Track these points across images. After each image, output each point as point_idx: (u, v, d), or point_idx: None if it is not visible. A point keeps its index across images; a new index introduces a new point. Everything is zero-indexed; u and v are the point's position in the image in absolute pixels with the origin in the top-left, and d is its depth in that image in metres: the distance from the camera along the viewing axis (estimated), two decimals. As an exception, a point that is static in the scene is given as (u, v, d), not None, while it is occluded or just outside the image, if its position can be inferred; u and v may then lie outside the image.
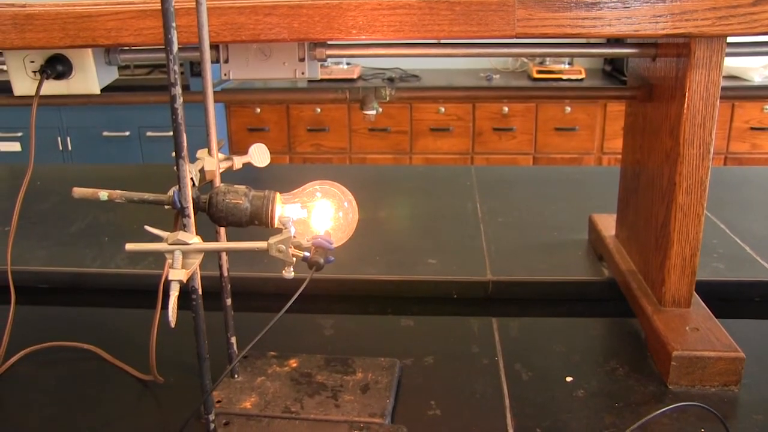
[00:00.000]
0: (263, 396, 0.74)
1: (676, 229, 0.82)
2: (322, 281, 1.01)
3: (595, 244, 1.13)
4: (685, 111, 0.78)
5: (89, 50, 0.85)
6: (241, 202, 0.62)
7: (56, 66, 0.85)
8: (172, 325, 0.56)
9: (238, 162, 0.69)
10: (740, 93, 1.19)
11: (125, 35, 0.75)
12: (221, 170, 0.67)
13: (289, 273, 0.59)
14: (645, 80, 0.91)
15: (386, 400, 0.73)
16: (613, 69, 3.19)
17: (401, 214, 1.31)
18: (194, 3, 0.62)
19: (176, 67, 0.55)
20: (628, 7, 0.70)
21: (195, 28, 0.63)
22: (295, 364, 0.80)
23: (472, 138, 3.10)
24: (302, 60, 0.84)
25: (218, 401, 0.73)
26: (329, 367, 0.79)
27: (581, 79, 3.08)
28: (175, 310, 0.56)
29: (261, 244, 0.59)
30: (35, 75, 0.85)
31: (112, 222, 1.26)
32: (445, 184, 1.49)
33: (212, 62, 0.80)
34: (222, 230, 0.70)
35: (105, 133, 3.10)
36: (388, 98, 0.94)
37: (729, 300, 1.01)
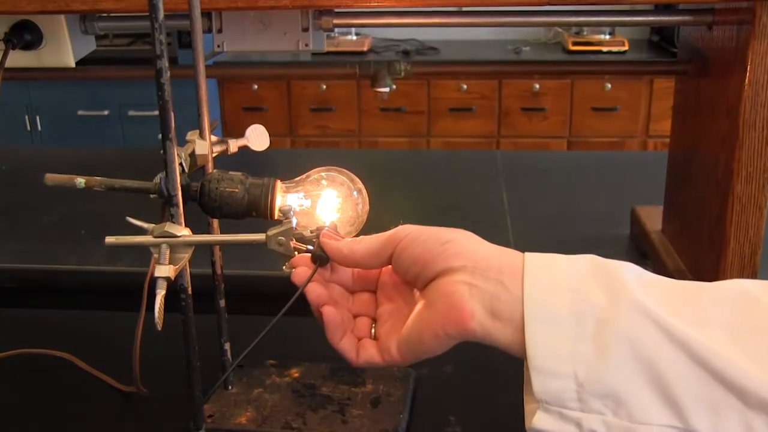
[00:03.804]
0: (260, 410, 0.75)
1: (734, 224, 0.81)
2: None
3: (638, 239, 1.13)
4: (746, 87, 0.77)
5: (62, 17, 0.85)
6: (236, 190, 0.62)
7: (24, 34, 0.85)
8: (159, 328, 0.56)
9: (233, 145, 0.69)
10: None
11: (104, 0, 0.75)
12: (214, 154, 0.67)
13: (290, 269, 0.59)
14: (699, 52, 0.90)
15: (399, 415, 0.74)
16: (662, 39, 3.17)
17: (417, 204, 1.31)
18: (184, -36, 0.62)
19: (162, 38, 0.55)
20: (680, -32, 0.70)
21: (184, -7, 0.63)
22: (296, 374, 0.80)
23: (497, 119, 3.10)
24: (306, 30, 0.84)
25: (210, 415, 0.74)
26: (335, 378, 0.79)
27: (624, 52, 3.06)
28: (162, 312, 0.57)
29: (259, 237, 0.59)
30: None
31: (90, 213, 1.27)
32: (467, 172, 1.49)
33: (204, 32, 0.80)
34: (215, 222, 0.70)
35: (80, 112, 3.11)
36: (402, 74, 0.94)
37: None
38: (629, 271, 0.48)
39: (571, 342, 0.46)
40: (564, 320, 0.46)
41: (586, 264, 0.49)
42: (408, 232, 0.53)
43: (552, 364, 0.46)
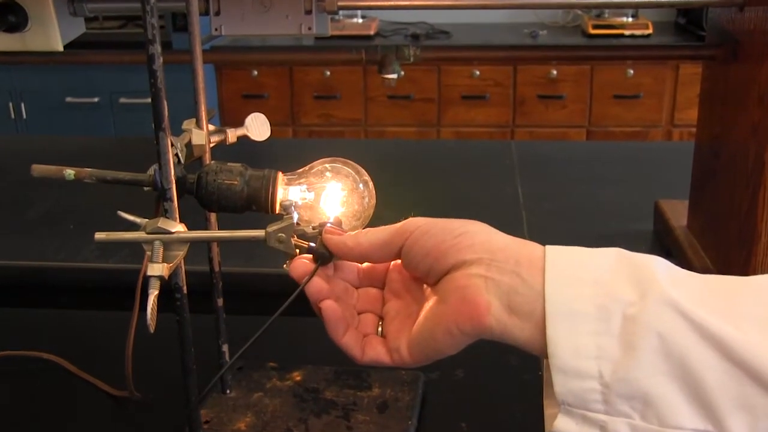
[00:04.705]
0: (260, 415, 0.75)
1: (765, 219, 0.81)
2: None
3: (662, 235, 1.12)
4: (777, 74, 0.77)
5: (50, -3, 0.85)
6: (235, 182, 0.62)
7: (8, 16, 0.85)
8: (152, 330, 0.57)
9: (232, 135, 0.69)
10: None
11: (95, -19, 0.75)
12: (212, 145, 0.67)
13: (291, 267, 0.59)
14: (728, 35, 0.90)
15: (408, 421, 0.74)
16: (688, 22, 3.16)
17: (426, 198, 1.31)
18: (179, -59, 0.62)
19: (155, 21, 0.55)
20: (708, -54, 0.70)
21: (179, -28, 0.63)
22: (298, 378, 0.80)
23: (512, 107, 3.09)
24: (309, 12, 0.84)
25: (206, 421, 0.74)
26: (340, 381, 0.80)
27: (648, 35, 3.05)
28: (155, 314, 0.57)
29: (258, 234, 0.59)
30: (-17, 28, 0.86)
31: (78, 206, 1.27)
32: (480, 163, 1.49)
33: (200, 14, 0.80)
34: (212, 216, 0.71)
35: (68, 99, 3.11)
36: (411, 59, 0.94)
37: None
38: (659, 265, 0.47)
39: (595, 339, 0.45)
40: (588, 316, 0.45)
41: (612, 257, 0.48)
42: (419, 224, 0.52)
43: (575, 362, 0.45)
